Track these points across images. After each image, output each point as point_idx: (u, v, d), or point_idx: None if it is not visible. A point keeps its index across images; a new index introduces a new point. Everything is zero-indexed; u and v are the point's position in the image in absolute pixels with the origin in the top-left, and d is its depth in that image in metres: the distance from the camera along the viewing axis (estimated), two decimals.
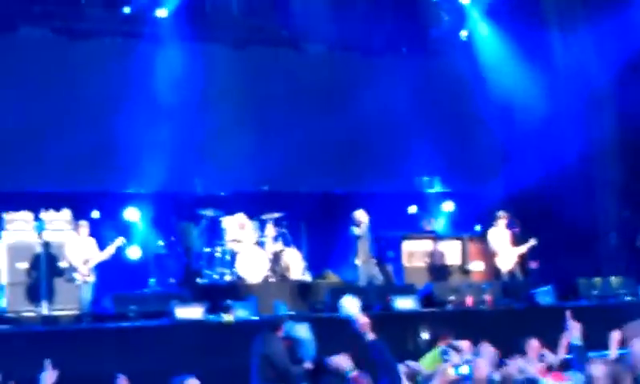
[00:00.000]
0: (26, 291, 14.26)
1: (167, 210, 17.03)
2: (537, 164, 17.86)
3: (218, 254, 15.92)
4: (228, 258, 15.80)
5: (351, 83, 18.41)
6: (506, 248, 16.31)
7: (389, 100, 17.79)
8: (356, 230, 15.69)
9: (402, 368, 8.25)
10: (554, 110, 17.83)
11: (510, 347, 10.14)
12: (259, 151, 17.27)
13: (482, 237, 17.17)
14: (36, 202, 14.79)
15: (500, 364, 9.37)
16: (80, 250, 14.38)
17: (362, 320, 7.24)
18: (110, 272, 14.78)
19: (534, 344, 10.36)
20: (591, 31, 17.51)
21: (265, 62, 18.26)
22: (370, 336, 7.19)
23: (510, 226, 16.41)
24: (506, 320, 13.99)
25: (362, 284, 15.50)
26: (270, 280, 15.72)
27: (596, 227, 17.90)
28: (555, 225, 16.98)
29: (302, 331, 9.86)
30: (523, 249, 16.34)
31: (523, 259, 16.56)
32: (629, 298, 15.42)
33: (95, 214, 16.45)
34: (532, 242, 16.23)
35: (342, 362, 7.62)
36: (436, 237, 17.49)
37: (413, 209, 18.93)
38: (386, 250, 17.04)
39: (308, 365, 9.19)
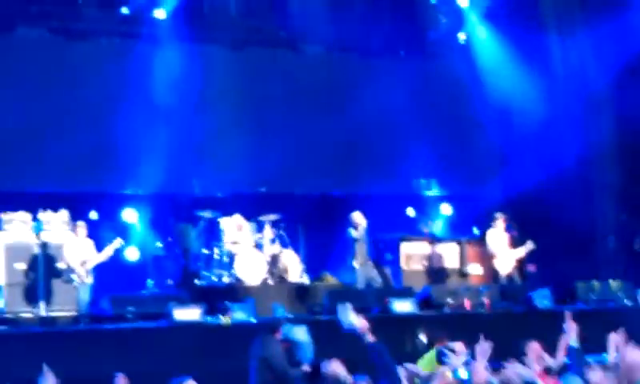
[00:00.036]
0: (23, 292, 14.25)
1: (165, 211, 16.99)
2: (535, 167, 17.82)
3: (216, 256, 15.90)
4: (226, 259, 15.77)
5: (349, 85, 18.37)
6: (504, 250, 16.28)
7: (387, 102, 17.74)
8: (354, 233, 15.68)
9: (400, 371, 8.22)
10: (552, 113, 17.83)
11: (507, 350, 10.11)
12: (257, 152, 17.24)
13: (480, 240, 17.15)
14: (34, 203, 14.78)
15: (498, 367, 9.34)
16: (78, 251, 14.35)
17: (362, 324, 7.21)
18: (108, 273, 14.76)
19: (534, 346, 10.32)
20: (589, 34, 17.53)
21: (263, 63, 18.23)
22: (370, 338, 7.16)
23: (508, 228, 16.39)
24: (504, 323, 13.98)
25: (360, 286, 15.50)
26: (268, 282, 15.70)
27: (594, 230, 17.90)
28: (553, 228, 16.94)
29: (300, 334, 9.83)
30: (521, 252, 16.30)
31: (521, 263, 16.54)
32: (627, 302, 15.44)
33: (93, 215, 16.42)
34: (530, 245, 16.19)
35: (338, 369, 7.59)
36: (434, 239, 17.47)
37: (411, 211, 18.91)
38: (383, 252, 17.05)
39: (306, 367, 9.17)
